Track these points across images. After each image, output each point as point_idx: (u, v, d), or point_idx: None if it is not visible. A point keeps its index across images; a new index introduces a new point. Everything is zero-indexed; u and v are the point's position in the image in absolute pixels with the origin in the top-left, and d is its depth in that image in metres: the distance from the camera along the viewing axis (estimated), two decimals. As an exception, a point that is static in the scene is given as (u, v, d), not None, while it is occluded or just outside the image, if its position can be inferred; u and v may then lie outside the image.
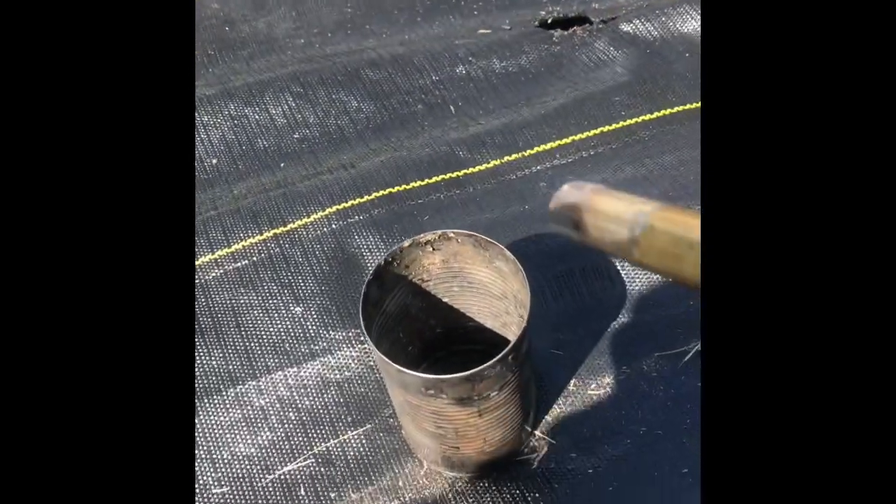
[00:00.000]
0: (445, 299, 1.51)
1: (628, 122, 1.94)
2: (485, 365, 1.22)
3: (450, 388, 1.25)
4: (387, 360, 1.24)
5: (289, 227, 1.83)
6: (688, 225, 0.84)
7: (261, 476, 1.52)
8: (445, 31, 2.36)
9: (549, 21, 2.33)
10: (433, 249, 1.42)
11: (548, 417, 1.56)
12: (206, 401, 1.60)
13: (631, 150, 1.93)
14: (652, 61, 2.13)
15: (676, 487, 1.45)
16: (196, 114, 2.13)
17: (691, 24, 2.21)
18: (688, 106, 2.01)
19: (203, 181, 2.01)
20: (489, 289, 1.48)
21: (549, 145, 1.90)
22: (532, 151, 1.89)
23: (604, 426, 1.53)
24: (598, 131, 1.92)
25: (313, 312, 1.69)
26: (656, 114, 1.96)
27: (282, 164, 2.01)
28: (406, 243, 1.39)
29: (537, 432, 1.54)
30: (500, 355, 1.23)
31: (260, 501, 1.50)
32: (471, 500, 1.47)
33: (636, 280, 1.70)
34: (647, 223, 0.88)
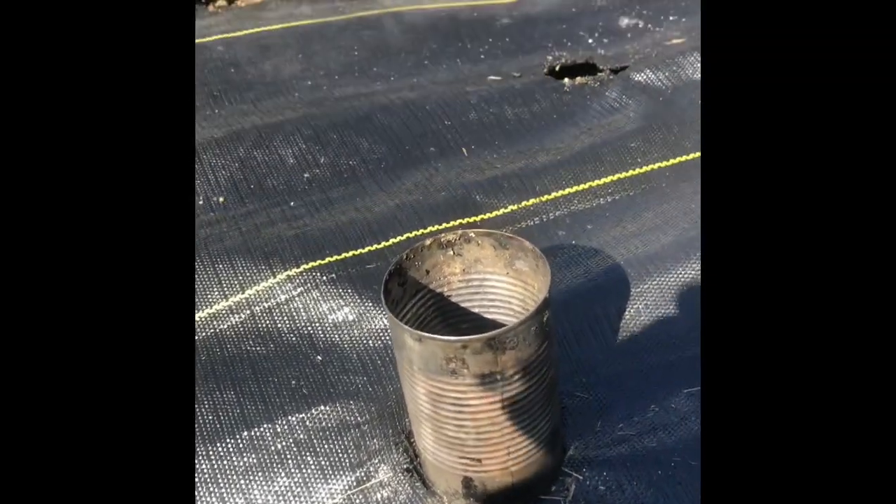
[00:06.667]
0: (458, 321, 1.49)
1: (645, 168, 1.95)
2: (506, 327, 1.21)
3: (472, 356, 1.21)
4: (406, 327, 1.22)
5: (301, 268, 1.80)
6: None
7: (277, 527, 1.46)
8: (454, 76, 2.37)
9: (558, 68, 2.35)
10: (454, 254, 1.40)
11: (575, 455, 1.52)
12: (218, 445, 1.54)
13: (649, 197, 1.93)
14: (666, 109, 2.15)
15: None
16: (204, 155, 2.11)
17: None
18: (702, 154, 2.03)
19: (210, 219, 1.98)
20: (510, 304, 1.45)
21: (567, 190, 1.90)
22: (550, 197, 1.89)
23: (633, 461, 1.50)
24: (615, 177, 1.93)
25: (335, 361, 1.66)
26: (672, 160, 1.97)
27: (291, 203, 1.99)
28: (427, 242, 1.38)
29: (564, 468, 1.51)
30: (521, 320, 1.22)
31: (277, 557, 1.44)
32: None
33: (663, 321, 1.70)
34: None
